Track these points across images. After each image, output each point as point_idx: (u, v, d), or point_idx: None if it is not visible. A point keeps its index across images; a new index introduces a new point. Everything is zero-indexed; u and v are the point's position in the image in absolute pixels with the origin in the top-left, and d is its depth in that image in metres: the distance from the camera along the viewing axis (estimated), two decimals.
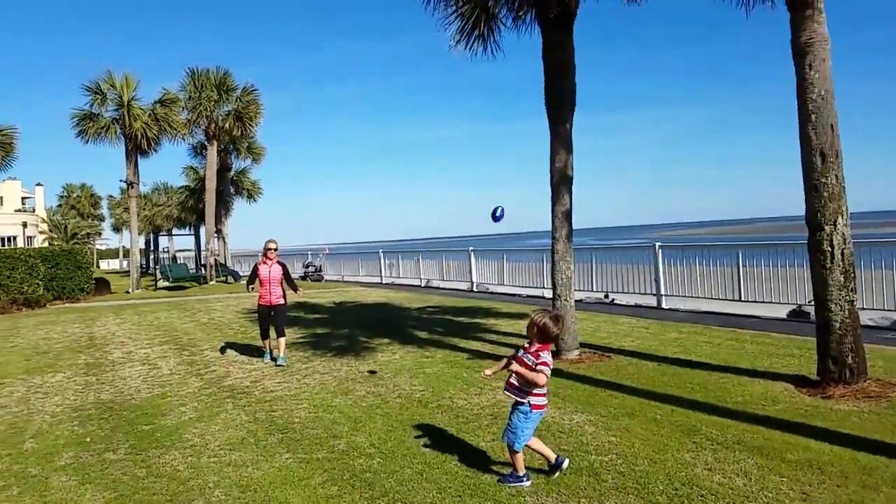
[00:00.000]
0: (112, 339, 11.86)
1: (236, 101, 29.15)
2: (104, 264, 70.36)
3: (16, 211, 53.14)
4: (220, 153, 31.60)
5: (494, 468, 4.41)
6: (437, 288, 20.30)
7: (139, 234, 31.06)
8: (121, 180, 26.46)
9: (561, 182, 8.14)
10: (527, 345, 4.20)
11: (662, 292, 12.98)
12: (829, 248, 6.04)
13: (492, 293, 17.70)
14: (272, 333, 8.88)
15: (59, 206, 73.55)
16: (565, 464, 4.28)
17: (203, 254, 32.36)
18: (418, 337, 10.40)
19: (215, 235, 30.67)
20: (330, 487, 4.27)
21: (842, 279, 6.03)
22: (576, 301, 8.55)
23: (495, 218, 7.30)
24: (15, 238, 44.61)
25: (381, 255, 24.85)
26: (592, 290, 14.74)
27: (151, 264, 42.43)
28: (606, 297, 14.42)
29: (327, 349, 9.53)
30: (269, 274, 8.78)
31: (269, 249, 8.88)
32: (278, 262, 8.92)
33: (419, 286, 21.33)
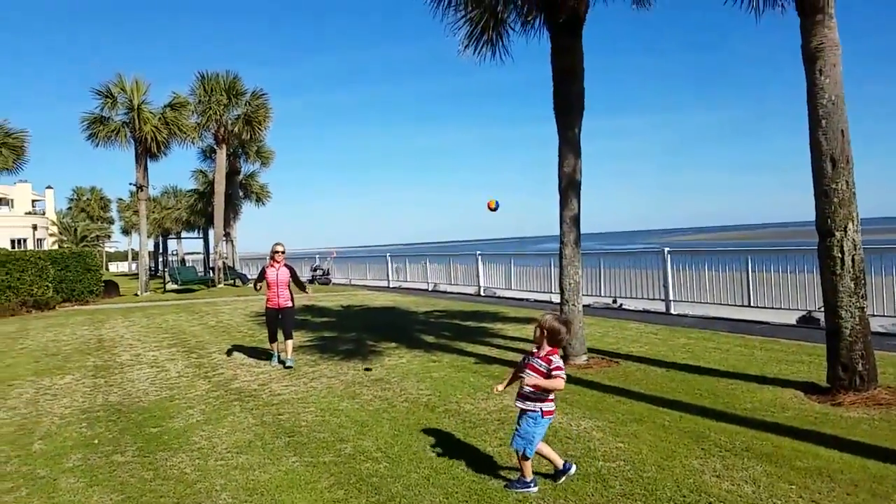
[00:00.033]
0: (120, 341, 11.92)
1: (245, 105, 29.29)
2: (113, 267, 70.76)
3: (26, 213, 53.48)
4: (229, 157, 31.76)
5: (502, 473, 4.40)
6: (445, 292, 20.28)
7: (148, 236, 31.22)
8: (130, 183, 26.61)
9: (569, 187, 8.13)
10: (535, 350, 4.19)
11: (671, 297, 12.91)
12: (840, 255, 6.00)
13: (499, 297, 17.67)
14: (280, 336, 8.90)
15: (69, 208, 74.03)
16: (573, 470, 4.26)
17: (211, 257, 32.50)
18: (425, 341, 10.39)
19: (224, 239, 30.78)
20: (336, 491, 4.26)
21: (852, 285, 5.98)
22: (584, 306, 8.54)
23: (491, 208, 7.41)
24: (25, 240, 44.94)
25: (389, 258, 24.88)
26: (600, 295, 14.70)
27: (160, 267, 42.67)
28: (615, 302, 14.37)
29: (334, 353, 9.54)
30: (276, 277, 8.81)
31: (277, 252, 8.91)
32: (286, 265, 8.94)
33: (426, 290, 21.33)
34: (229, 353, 9.99)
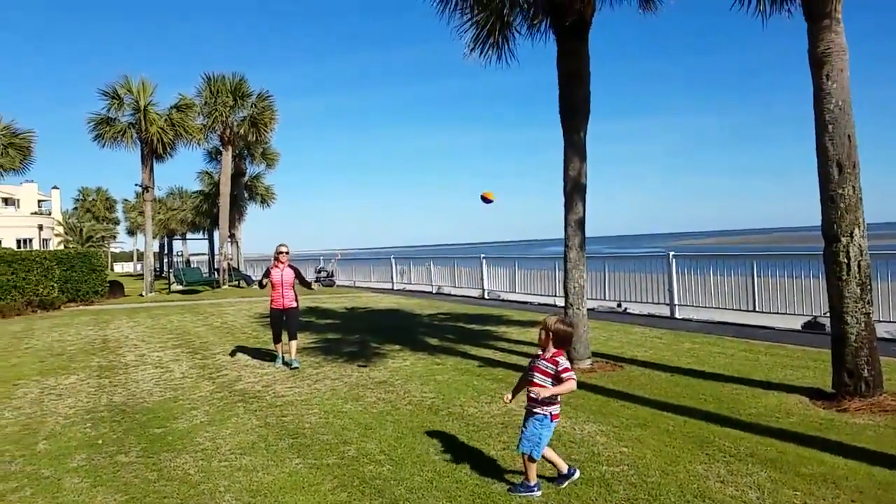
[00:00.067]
0: (125, 341, 11.95)
1: (251, 106, 29.35)
2: (118, 267, 71.02)
3: (32, 213, 53.68)
4: (234, 158, 31.83)
5: (505, 477, 4.39)
6: (449, 295, 20.28)
7: (153, 237, 31.26)
8: (136, 184, 26.67)
9: (574, 190, 8.13)
10: (540, 352, 4.18)
11: (676, 302, 12.88)
12: (846, 260, 5.98)
13: (503, 300, 17.66)
14: (284, 337, 8.92)
15: (75, 209, 74.34)
16: (576, 474, 4.25)
17: (216, 258, 32.54)
18: (429, 344, 10.39)
19: (229, 240, 30.84)
20: (339, 494, 4.26)
21: (858, 291, 5.96)
22: (588, 310, 8.52)
23: (485, 200, 7.40)
24: (31, 240, 45.13)
25: (393, 261, 24.89)
26: (605, 299, 14.67)
27: (165, 268, 42.78)
28: (619, 306, 14.34)
29: (338, 355, 9.55)
30: (281, 278, 8.83)
31: (281, 253, 8.94)
32: (290, 266, 8.97)
33: (430, 293, 21.33)
34: (233, 354, 10.01)
